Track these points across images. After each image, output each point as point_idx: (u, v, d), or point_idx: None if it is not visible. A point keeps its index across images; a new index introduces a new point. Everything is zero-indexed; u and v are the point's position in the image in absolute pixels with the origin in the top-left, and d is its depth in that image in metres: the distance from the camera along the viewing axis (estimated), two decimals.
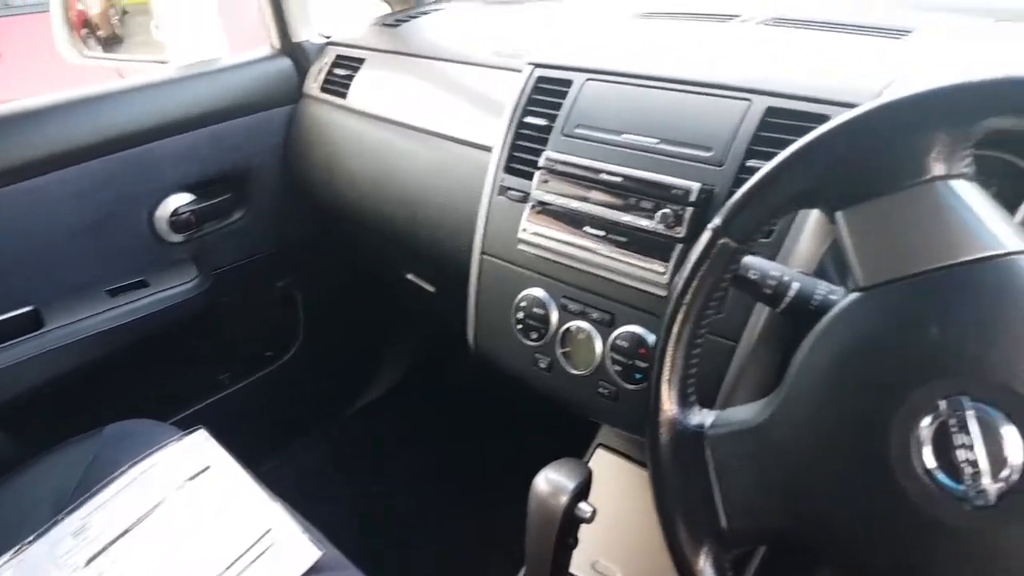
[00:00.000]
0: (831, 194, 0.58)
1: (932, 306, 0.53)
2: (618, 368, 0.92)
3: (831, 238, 0.80)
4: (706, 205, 0.85)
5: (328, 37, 1.55)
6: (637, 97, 0.96)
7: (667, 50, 1.01)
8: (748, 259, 0.69)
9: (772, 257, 0.79)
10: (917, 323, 0.53)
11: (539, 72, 1.06)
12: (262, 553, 0.97)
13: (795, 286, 0.67)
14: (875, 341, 0.55)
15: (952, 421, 0.50)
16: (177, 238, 1.42)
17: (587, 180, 0.95)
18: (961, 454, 0.50)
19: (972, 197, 0.54)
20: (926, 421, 0.51)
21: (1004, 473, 0.49)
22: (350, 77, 1.42)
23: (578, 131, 0.99)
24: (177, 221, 1.40)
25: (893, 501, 0.52)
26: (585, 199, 0.95)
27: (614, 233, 0.92)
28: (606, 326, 0.94)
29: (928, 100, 0.54)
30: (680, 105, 0.92)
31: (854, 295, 0.57)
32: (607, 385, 0.94)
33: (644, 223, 0.89)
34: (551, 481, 0.89)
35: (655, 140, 0.92)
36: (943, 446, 0.51)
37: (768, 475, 0.59)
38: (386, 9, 1.59)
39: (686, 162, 0.88)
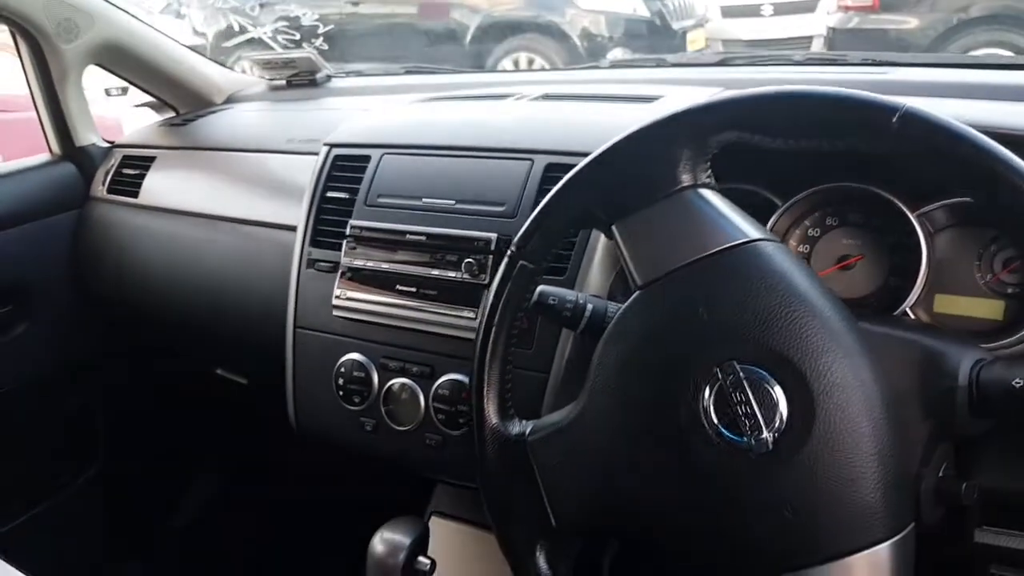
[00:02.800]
0: (603, 212, 0.67)
1: (697, 292, 0.62)
2: (442, 417, 0.96)
3: (617, 268, 0.90)
4: (505, 252, 0.93)
5: (113, 141, 1.52)
6: (433, 166, 1.04)
7: (454, 124, 1.10)
8: (546, 288, 0.77)
9: (570, 287, 0.88)
10: (687, 308, 0.62)
11: (336, 151, 1.11)
12: None
13: (589, 307, 0.75)
14: (654, 330, 0.63)
15: (728, 384, 0.59)
16: None
17: (393, 243, 1.00)
18: (740, 411, 0.58)
19: (716, 200, 0.65)
20: (707, 390, 0.60)
21: (776, 422, 0.58)
22: (141, 176, 1.40)
23: (380, 200, 1.04)
24: None
25: (692, 468, 0.60)
26: (393, 260, 1.00)
27: (424, 288, 0.97)
28: (426, 379, 0.98)
29: (670, 121, 0.65)
30: (472, 169, 1.01)
31: (634, 295, 0.65)
32: (433, 436, 0.97)
33: (451, 275, 0.95)
34: (387, 540, 0.89)
35: (453, 202, 0.99)
36: (724, 407, 0.59)
37: (584, 469, 0.65)
38: (169, 113, 1.59)
39: (482, 217, 0.96)
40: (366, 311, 1.01)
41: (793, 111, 0.61)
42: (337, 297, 1.02)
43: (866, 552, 0.56)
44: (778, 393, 0.58)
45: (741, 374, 0.59)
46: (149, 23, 1.50)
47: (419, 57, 6.19)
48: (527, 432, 0.69)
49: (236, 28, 5.52)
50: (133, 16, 1.47)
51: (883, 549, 0.56)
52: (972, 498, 0.70)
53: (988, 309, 0.82)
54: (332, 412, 1.04)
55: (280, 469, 1.69)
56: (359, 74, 1.72)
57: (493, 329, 0.70)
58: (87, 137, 1.49)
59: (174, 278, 1.31)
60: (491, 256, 0.93)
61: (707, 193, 0.65)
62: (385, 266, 1.00)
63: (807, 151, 0.63)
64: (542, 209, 0.69)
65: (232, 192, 1.27)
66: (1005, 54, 4.70)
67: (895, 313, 0.82)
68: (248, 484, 1.77)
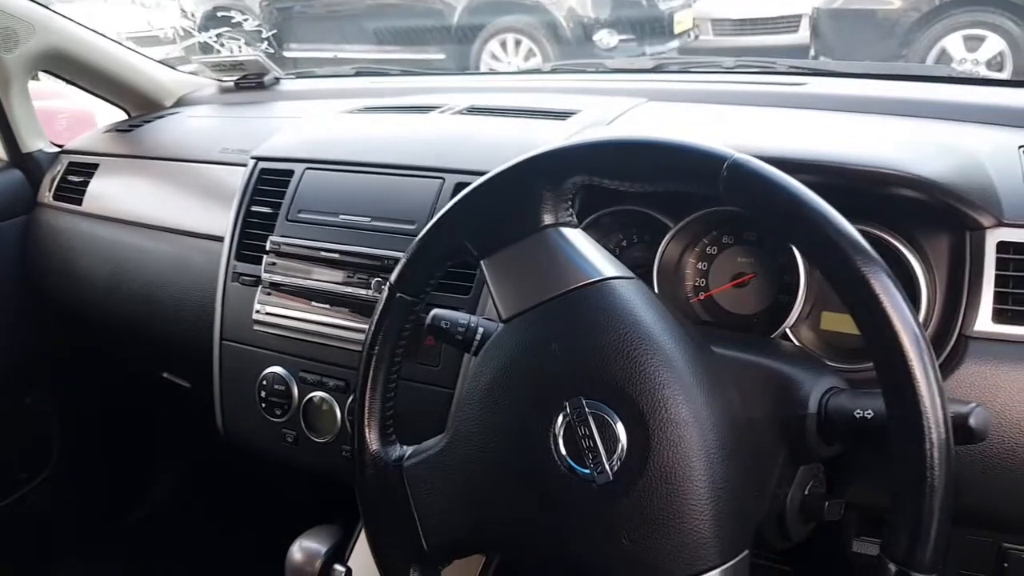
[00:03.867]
0: (473, 248, 0.70)
1: (550, 328, 0.65)
2: None
3: None
4: None
5: (61, 147, 1.54)
6: (352, 182, 1.06)
7: (375, 140, 1.13)
8: (439, 312, 0.79)
9: (472, 310, 0.91)
10: (541, 344, 0.65)
11: (262, 165, 1.14)
12: None
13: (480, 330, 0.78)
14: (514, 363, 0.66)
15: (575, 418, 0.62)
16: None
17: (311, 259, 1.03)
18: (584, 443, 0.61)
19: (576, 239, 0.68)
20: (558, 423, 0.63)
21: (616, 455, 0.61)
22: (85, 183, 1.42)
23: (301, 215, 1.07)
24: None
25: (545, 496, 0.63)
26: (310, 276, 1.02)
27: (338, 305, 1.00)
28: (342, 392, 1.01)
29: (527, 166, 0.67)
30: (388, 186, 1.04)
31: (500, 327, 0.68)
32: (349, 448, 1.00)
33: (363, 292, 0.98)
34: (304, 548, 0.93)
35: (368, 219, 1.02)
36: (572, 440, 0.62)
37: (453, 493, 0.68)
38: (121, 115, 1.61)
39: (395, 235, 0.99)
40: (285, 326, 1.04)
41: (632, 158, 0.63)
42: (257, 311, 1.05)
43: None
44: (619, 427, 0.61)
45: (586, 409, 0.62)
46: (93, 29, 1.52)
47: (407, 39, 6.20)
48: (405, 457, 0.72)
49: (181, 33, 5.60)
50: (76, 23, 1.48)
51: (715, 573, 0.59)
52: (836, 514, 0.73)
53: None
54: (256, 423, 1.07)
55: (223, 473, 1.73)
56: (308, 75, 1.73)
57: (373, 359, 0.73)
58: (34, 143, 1.51)
59: (116, 284, 1.33)
60: None
61: (568, 232, 0.68)
62: (302, 281, 1.03)
63: (652, 192, 0.65)
64: (417, 244, 0.72)
65: (169, 201, 1.29)
66: (935, 66, 4.68)
67: (777, 332, 0.85)
68: (194, 486, 1.81)
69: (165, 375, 1.43)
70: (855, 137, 0.96)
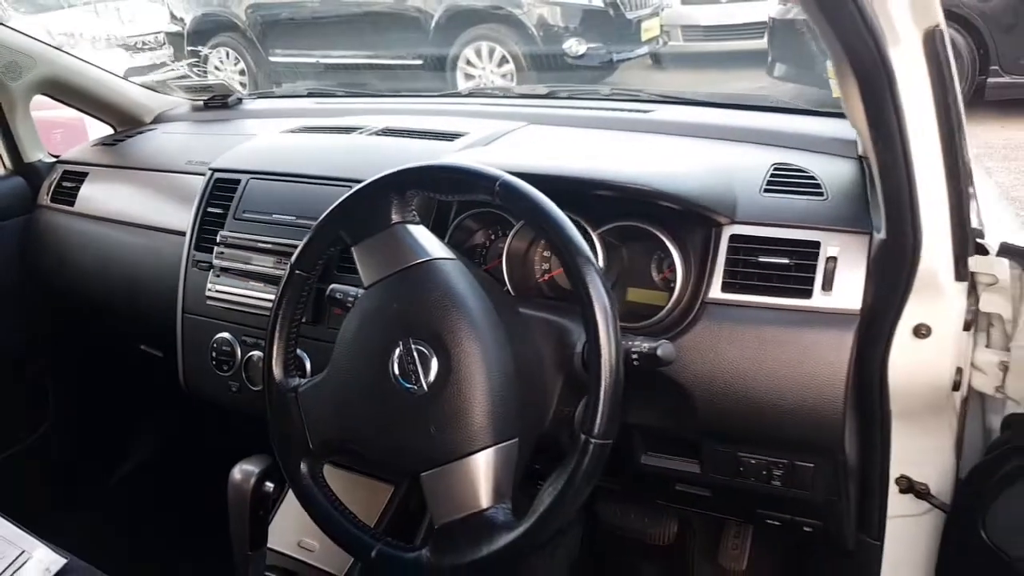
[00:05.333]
0: (348, 237, 1.00)
1: (392, 292, 0.96)
2: None
3: None
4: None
5: (57, 157, 1.84)
6: (283, 189, 1.37)
7: (304, 156, 1.43)
8: (336, 285, 1.10)
9: None
10: (386, 303, 0.95)
11: (217, 175, 1.44)
12: (18, 566, 1.21)
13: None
14: (368, 317, 0.97)
15: (404, 352, 0.92)
16: None
17: (251, 248, 1.33)
18: (409, 368, 0.92)
19: (417, 232, 0.98)
20: (395, 355, 0.93)
21: (431, 376, 0.91)
22: (77, 188, 1.73)
23: (245, 215, 1.37)
24: None
25: (386, 405, 0.93)
26: (250, 262, 1.33)
27: (271, 284, 1.30)
28: None
29: (381, 181, 0.97)
30: (310, 193, 1.34)
31: (363, 292, 0.99)
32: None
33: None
34: (243, 470, 1.23)
35: (294, 217, 1.32)
36: (402, 366, 0.92)
37: (327, 406, 0.98)
38: (108, 130, 1.91)
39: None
40: (231, 301, 1.34)
41: (441, 177, 0.94)
42: (209, 290, 1.36)
43: (479, 453, 0.89)
44: (432, 358, 0.91)
45: (412, 346, 0.92)
46: (83, 58, 1.82)
47: (386, 46, 6.49)
48: (299, 386, 1.02)
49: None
50: (70, 54, 1.79)
51: (489, 451, 0.89)
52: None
53: (658, 298, 1.15)
54: (208, 377, 1.38)
55: (195, 435, 2.03)
56: (268, 95, 2.04)
57: (279, 317, 1.03)
58: (34, 154, 1.81)
59: (102, 271, 1.64)
60: None
61: (411, 227, 0.98)
62: (244, 266, 1.33)
63: (466, 202, 0.96)
64: (310, 234, 1.02)
65: (145, 203, 1.60)
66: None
67: None
68: (170, 447, 2.11)
69: (143, 347, 1.73)
70: (652, 159, 1.26)
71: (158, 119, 1.94)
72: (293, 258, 1.03)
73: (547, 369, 0.98)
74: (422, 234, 0.99)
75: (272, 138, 1.55)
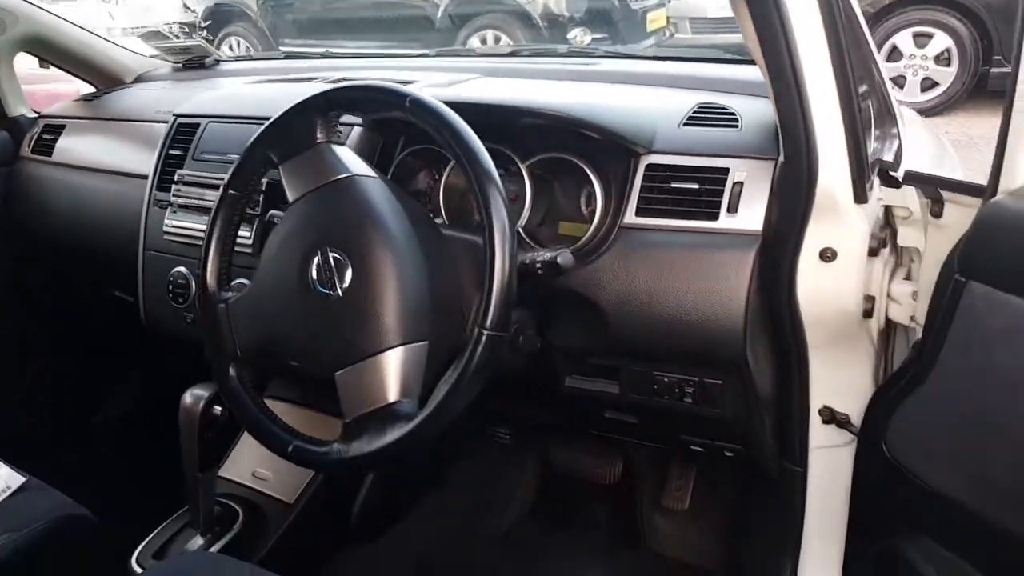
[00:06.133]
0: (276, 157, 1.06)
1: (314, 206, 1.01)
2: None
3: None
4: (272, 191, 1.32)
5: (39, 112, 1.92)
6: (236, 131, 1.43)
7: (258, 102, 1.50)
8: (275, 211, 1.16)
9: None
10: (308, 215, 1.01)
11: (180, 120, 1.51)
12: None
13: None
14: (290, 229, 1.02)
15: (322, 260, 0.98)
16: None
17: (205, 185, 1.40)
18: (326, 275, 0.97)
19: (340, 151, 1.04)
20: (314, 262, 0.98)
21: (345, 282, 0.97)
22: (55, 140, 1.80)
23: (202, 156, 1.44)
24: None
25: (305, 308, 0.99)
26: (204, 198, 1.39)
27: None
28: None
29: (304, 103, 1.03)
30: None
31: (290, 206, 1.04)
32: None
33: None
34: (193, 394, 1.30)
35: None
36: (320, 273, 0.98)
37: (252, 314, 1.04)
38: (90, 88, 1.99)
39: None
40: (186, 235, 1.41)
41: (356, 96, 1.00)
42: (167, 225, 1.43)
43: (388, 352, 0.94)
44: (347, 265, 0.97)
45: (329, 254, 0.98)
46: (66, 18, 1.89)
47: (393, 35, 6.57)
48: (230, 298, 1.08)
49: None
50: (53, 14, 1.87)
51: (398, 350, 0.94)
52: (532, 346, 1.09)
53: (582, 230, 1.20)
54: (166, 310, 1.45)
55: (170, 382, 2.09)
56: (246, 58, 2.11)
57: (212, 236, 1.10)
58: (17, 109, 1.89)
59: (77, 217, 1.71)
60: (261, 195, 1.32)
61: (335, 147, 1.04)
62: (198, 202, 1.40)
63: (384, 120, 1.01)
64: (240, 157, 1.08)
65: (115, 151, 1.67)
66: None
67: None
68: (152, 388, 2.18)
69: (117, 294, 1.81)
70: (586, 98, 1.31)
71: (139, 79, 2.02)
72: (226, 179, 1.09)
73: (465, 286, 1.03)
74: (345, 153, 1.05)
75: (233, 88, 1.62)
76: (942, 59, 5.23)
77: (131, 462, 2.02)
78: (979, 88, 5.16)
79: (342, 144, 1.06)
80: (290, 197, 1.04)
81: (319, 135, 1.04)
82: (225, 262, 1.11)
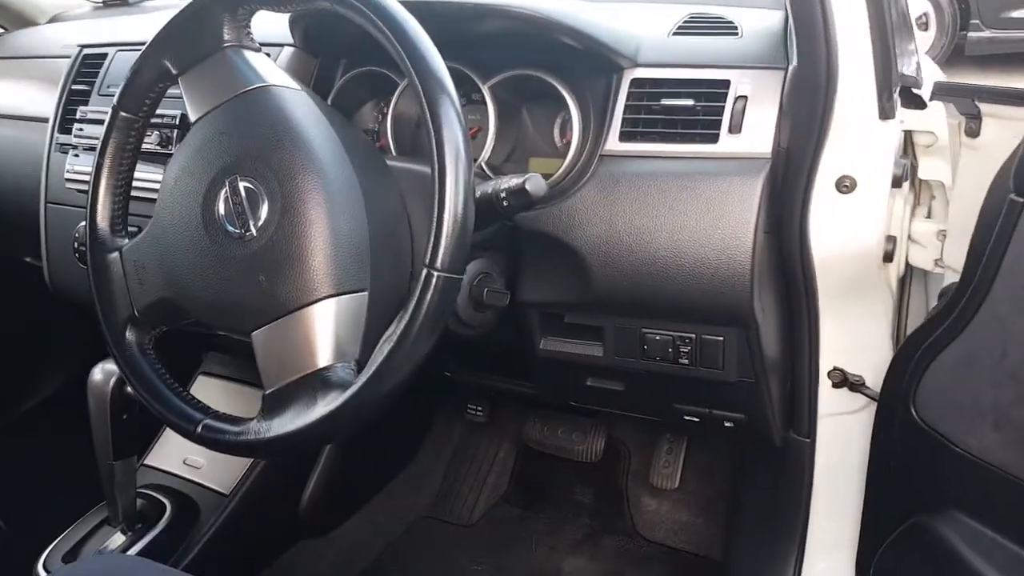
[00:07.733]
0: (173, 67, 0.85)
1: (221, 123, 0.81)
2: None
3: None
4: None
5: None
6: None
7: None
8: None
9: None
10: (214, 136, 0.81)
11: (85, 51, 1.29)
12: None
13: None
14: (192, 153, 0.82)
15: (231, 191, 0.78)
16: None
17: None
18: (236, 210, 0.78)
19: (253, 58, 0.84)
20: (221, 196, 0.79)
21: (260, 219, 0.77)
22: None
23: (110, 89, 1.23)
24: None
25: (212, 252, 0.79)
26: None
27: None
28: (133, 236, 1.16)
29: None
30: None
31: (191, 127, 0.84)
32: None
33: (148, 145, 1.13)
34: (103, 370, 1.09)
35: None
36: (229, 208, 0.78)
37: (150, 263, 0.84)
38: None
39: (180, 99, 1.14)
40: (88, 182, 1.19)
41: None
42: (68, 171, 1.21)
43: (316, 304, 0.75)
44: (263, 196, 0.77)
45: (240, 184, 0.78)
46: None
47: None
48: (124, 246, 0.88)
49: None
50: None
51: (330, 302, 0.75)
52: (500, 300, 0.90)
53: (556, 166, 1.01)
54: (71, 271, 1.24)
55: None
56: None
57: (102, 168, 0.89)
58: None
59: None
60: (176, 130, 1.12)
61: (246, 52, 0.84)
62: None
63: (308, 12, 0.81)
64: (131, 69, 0.88)
65: (15, 93, 1.45)
66: None
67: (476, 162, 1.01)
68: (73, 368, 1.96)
69: (27, 259, 1.58)
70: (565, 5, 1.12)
71: (54, 19, 1.78)
72: (115, 97, 0.89)
73: (413, 224, 0.84)
74: (259, 60, 0.85)
75: (147, 15, 1.40)
76: (920, 23, 5.09)
77: (51, 454, 1.81)
78: (956, 53, 5.04)
79: (257, 49, 0.85)
80: (191, 116, 0.84)
81: (226, 36, 0.83)
82: (119, 201, 0.90)
